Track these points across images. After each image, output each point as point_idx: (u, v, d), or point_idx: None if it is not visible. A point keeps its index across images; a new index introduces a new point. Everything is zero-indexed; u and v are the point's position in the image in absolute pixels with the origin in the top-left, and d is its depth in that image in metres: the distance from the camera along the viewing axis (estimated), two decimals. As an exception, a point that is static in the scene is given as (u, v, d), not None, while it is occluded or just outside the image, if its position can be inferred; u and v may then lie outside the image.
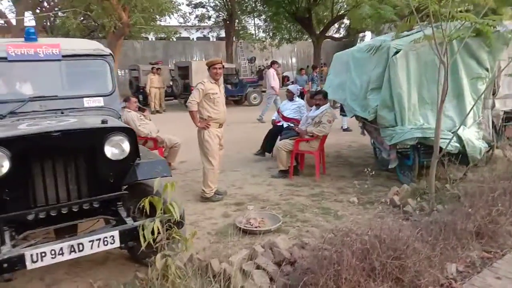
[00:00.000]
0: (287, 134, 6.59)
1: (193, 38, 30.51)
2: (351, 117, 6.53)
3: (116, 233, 2.76)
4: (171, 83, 17.41)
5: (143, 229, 2.75)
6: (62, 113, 3.72)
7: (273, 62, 13.41)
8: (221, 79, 5.55)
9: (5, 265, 2.42)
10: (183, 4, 19.55)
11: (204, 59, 26.70)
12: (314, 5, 21.22)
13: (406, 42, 5.01)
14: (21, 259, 2.47)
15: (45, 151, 2.86)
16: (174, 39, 25.20)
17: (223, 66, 5.37)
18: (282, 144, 6.02)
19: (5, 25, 17.82)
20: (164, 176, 3.20)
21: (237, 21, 22.51)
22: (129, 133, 3.07)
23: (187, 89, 16.14)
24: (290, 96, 7.30)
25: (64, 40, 4.27)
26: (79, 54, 4.00)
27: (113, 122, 3.14)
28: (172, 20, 20.51)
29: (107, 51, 4.20)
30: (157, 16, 15.47)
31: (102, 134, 2.98)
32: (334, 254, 2.86)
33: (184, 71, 16.39)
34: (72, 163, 2.98)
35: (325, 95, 6.02)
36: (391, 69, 5.00)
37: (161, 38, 25.39)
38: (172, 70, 17.96)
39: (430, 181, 4.77)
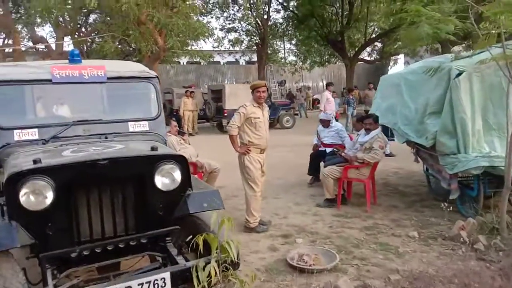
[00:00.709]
0: (332, 160, 6.19)
1: (223, 63, 30.83)
2: (403, 143, 6.09)
3: (167, 275, 2.44)
4: (203, 106, 17.41)
5: (196, 271, 2.43)
6: (106, 138, 3.51)
7: (329, 84, 13.04)
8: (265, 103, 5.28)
9: (48, 312, 2.14)
10: (216, 28, 19.73)
11: (234, 82, 26.88)
12: (347, 28, 21.01)
13: (469, 63, 4.61)
14: (64, 305, 2.19)
15: (91, 180, 2.61)
16: (205, 63, 25.50)
17: (267, 89, 5.11)
18: (329, 171, 5.64)
19: (46, 49, 18.39)
20: (217, 209, 2.90)
21: (268, 44, 22.55)
22: (181, 161, 2.79)
23: (220, 112, 16.08)
24: (326, 124, 6.92)
25: (108, 62, 4.12)
26: (124, 76, 3.82)
27: (163, 149, 2.88)
28: (204, 45, 20.73)
29: (153, 73, 4.00)
30: (192, 41, 15.58)
31: (152, 162, 2.72)
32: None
33: (217, 94, 16.37)
34: (119, 194, 2.72)
35: (375, 119, 5.64)
36: (453, 92, 4.59)
37: (193, 63, 25.71)
38: (205, 93, 18.00)
39: (501, 215, 4.30)
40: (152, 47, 11.72)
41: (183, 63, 28.17)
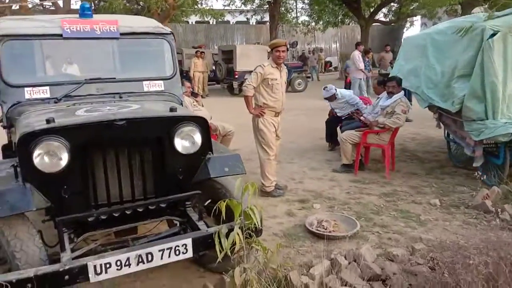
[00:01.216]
0: (351, 125, 6.01)
1: (233, 22, 29.99)
2: (425, 108, 5.85)
3: (189, 241, 2.34)
4: (213, 67, 17.04)
5: (219, 237, 2.33)
6: (121, 97, 3.34)
7: (358, 44, 12.54)
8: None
9: (66, 277, 2.06)
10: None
11: (245, 43, 26.21)
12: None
13: (505, 23, 4.29)
14: (83, 270, 2.10)
15: (107, 142, 2.48)
16: (214, 23, 24.78)
17: (287, 49, 4.84)
18: (347, 136, 5.46)
19: (53, 7, 17.93)
20: (238, 174, 2.77)
21: (281, 3, 21.76)
22: (202, 123, 2.64)
23: (230, 74, 15.75)
24: (332, 99, 6.59)
25: (121, 17, 3.88)
26: (138, 32, 3.60)
27: (182, 110, 2.72)
28: (215, 3, 20.03)
29: (167, 29, 3.77)
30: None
31: (171, 124, 2.56)
32: (449, 278, 2.34)
33: (228, 55, 15.96)
34: (137, 157, 2.59)
35: (399, 81, 5.37)
36: (485, 54, 4.30)
37: (202, 22, 25.00)
38: (215, 54, 17.57)
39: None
40: (163, 5, 11.29)
41: (192, 22, 27.41)
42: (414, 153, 6.60)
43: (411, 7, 22.62)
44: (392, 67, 13.05)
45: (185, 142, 2.59)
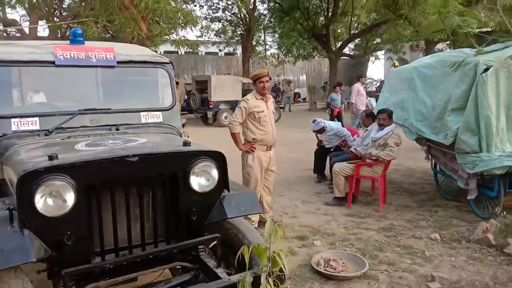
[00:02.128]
0: (340, 157, 5.94)
1: (201, 53, 30.11)
2: (413, 140, 5.90)
3: (211, 293, 2.09)
4: (186, 97, 16.89)
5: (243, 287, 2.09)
6: (118, 129, 3.10)
7: (360, 76, 12.81)
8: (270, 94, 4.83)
9: None
10: (200, 17, 19.02)
11: (215, 73, 26.27)
12: (332, 22, 20.81)
13: (497, 58, 4.40)
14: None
15: (117, 180, 2.21)
16: (182, 53, 24.74)
17: (270, 79, 4.68)
18: (340, 168, 5.37)
19: (18, 33, 17.33)
20: (255, 213, 2.56)
21: (253, 35, 22.10)
22: (219, 158, 2.43)
23: (205, 104, 15.62)
24: (321, 132, 6.60)
25: (117, 44, 3.67)
26: (135, 60, 3.39)
27: (196, 145, 2.50)
28: (186, 34, 20.04)
29: (166, 59, 3.59)
30: (177, 29, 14.94)
31: (187, 159, 2.34)
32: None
33: (202, 85, 15.88)
34: (148, 196, 2.34)
35: (390, 114, 5.38)
36: (479, 88, 4.37)
37: (171, 52, 24.89)
38: (188, 84, 17.44)
39: (529, 217, 4.13)
40: (139, 34, 11.09)
41: (161, 52, 27.26)
42: (401, 185, 6.60)
43: (374, 42, 23.64)
44: (327, 100, 13.43)
45: (202, 179, 2.37)
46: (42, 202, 1.95)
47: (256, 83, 4.44)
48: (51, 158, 2.05)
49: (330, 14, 20.53)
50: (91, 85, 3.36)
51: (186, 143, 2.44)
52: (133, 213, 2.29)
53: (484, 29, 4.52)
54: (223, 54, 29.74)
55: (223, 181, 2.46)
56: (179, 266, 2.59)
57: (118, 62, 3.28)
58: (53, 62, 3.05)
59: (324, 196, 5.98)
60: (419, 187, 6.47)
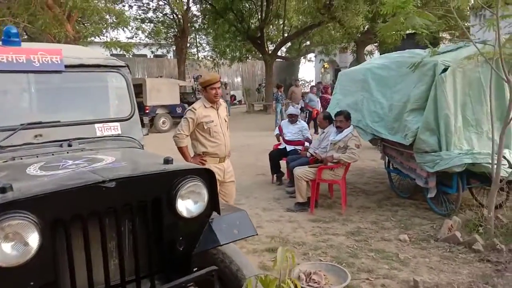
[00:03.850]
0: (298, 161, 5.81)
1: (129, 55, 28.84)
2: (368, 141, 5.93)
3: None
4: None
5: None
6: (70, 145, 2.64)
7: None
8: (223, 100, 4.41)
9: None
10: (130, 18, 18.00)
11: (146, 76, 25.22)
12: (266, 24, 20.92)
13: (454, 58, 4.51)
14: None
15: (90, 211, 1.80)
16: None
17: (221, 84, 4.30)
18: (302, 173, 5.22)
19: None
20: (249, 236, 2.28)
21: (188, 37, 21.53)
22: (208, 177, 2.10)
23: (140, 109, 14.81)
24: (294, 120, 6.56)
25: (64, 46, 3.17)
26: (86, 64, 2.94)
27: (181, 163, 2.15)
28: (117, 36, 18.96)
29: (122, 62, 3.16)
30: (108, 30, 14.01)
31: (171, 180, 1.99)
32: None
33: (136, 89, 14.94)
34: (126, 227, 1.95)
35: (347, 116, 5.33)
36: (438, 88, 4.45)
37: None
38: (121, 88, 16.47)
39: (489, 212, 4.26)
40: (67, 35, 10.17)
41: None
42: (355, 185, 6.62)
43: (304, 44, 24.22)
44: (304, 100, 13.57)
45: (190, 202, 2.03)
46: (-3, 250, 1.50)
47: (206, 89, 3.93)
48: (3, 190, 1.60)
49: (263, 16, 20.60)
50: (34, 94, 2.85)
51: (167, 161, 2.08)
52: (109, 248, 1.89)
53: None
54: (152, 56, 28.68)
55: (213, 203, 2.13)
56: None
57: (66, 66, 2.81)
58: (-14, 67, 2.51)
59: (283, 201, 5.81)
60: (373, 186, 6.55)
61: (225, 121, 4.14)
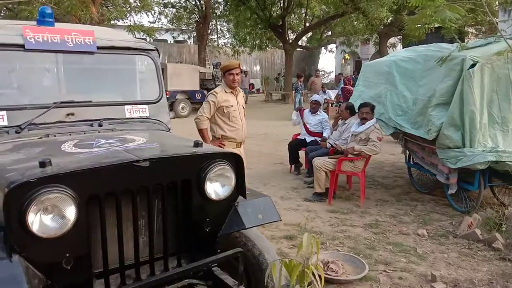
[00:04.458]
0: (318, 151, 5.82)
1: (149, 40, 28.96)
2: (389, 135, 5.88)
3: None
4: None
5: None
6: (100, 125, 2.70)
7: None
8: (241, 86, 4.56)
9: None
10: (153, 2, 18.07)
11: (167, 61, 25.36)
12: (288, 13, 20.73)
13: (483, 54, 4.42)
14: None
15: (123, 189, 1.86)
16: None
17: (241, 71, 4.41)
18: (321, 163, 5.22)
19: None
20: (273, 222, 2.31)
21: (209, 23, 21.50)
22: (236, 161, 2.14)
23: (161, 94, 14.95)
24: (316, 108, 6.54)
25: (96, 28, 3.22)
26: (118, 46, 2.98)
27: (210, 147, 2.19)
28: (141, 20, 19.00)
29: (151, 45, 3.21)
30: (132, 14, 14.10)
31: (201, 163, 2.03)
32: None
33: (157, 74, 15.14)
34: (157, 206, 2.00)
35: (372, 108, 5.29)
36: (465, 83, 4.38)
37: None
38: (142, 72, 16.60)
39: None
40: (91, 18, 10.29)
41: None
42: (373, 178, 6.60)
43: (325, 35, 23.89)
44: (324, 92, 13.48)
45: (218, 185, 2.07)
46: (37, 221, 1.57)
47: (225, 75, 4.09)
48: (43, 164, 1.67)
49: (286, 4, 20.41)
50: (67, 74, 2.92)
51: (197, 144, 2.12)
52: (140, 226, 1.95)
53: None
54: (173, 42, 28.78)
55: (240, 187, 2.17)
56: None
57: (98, 48, 2.85)
58: (22, 46, 2.57)
59: (301, 191, 5.83)
60: (392, 180, 6.51)
61: (243, 107, 4.30)
